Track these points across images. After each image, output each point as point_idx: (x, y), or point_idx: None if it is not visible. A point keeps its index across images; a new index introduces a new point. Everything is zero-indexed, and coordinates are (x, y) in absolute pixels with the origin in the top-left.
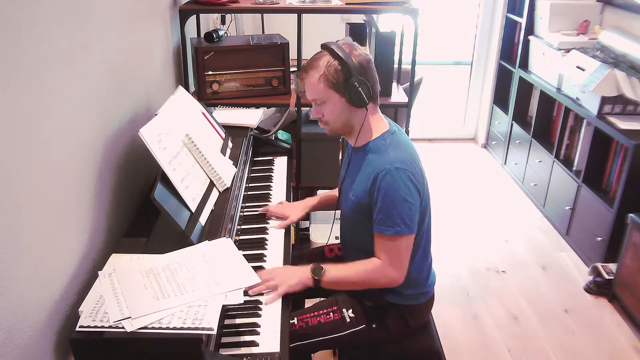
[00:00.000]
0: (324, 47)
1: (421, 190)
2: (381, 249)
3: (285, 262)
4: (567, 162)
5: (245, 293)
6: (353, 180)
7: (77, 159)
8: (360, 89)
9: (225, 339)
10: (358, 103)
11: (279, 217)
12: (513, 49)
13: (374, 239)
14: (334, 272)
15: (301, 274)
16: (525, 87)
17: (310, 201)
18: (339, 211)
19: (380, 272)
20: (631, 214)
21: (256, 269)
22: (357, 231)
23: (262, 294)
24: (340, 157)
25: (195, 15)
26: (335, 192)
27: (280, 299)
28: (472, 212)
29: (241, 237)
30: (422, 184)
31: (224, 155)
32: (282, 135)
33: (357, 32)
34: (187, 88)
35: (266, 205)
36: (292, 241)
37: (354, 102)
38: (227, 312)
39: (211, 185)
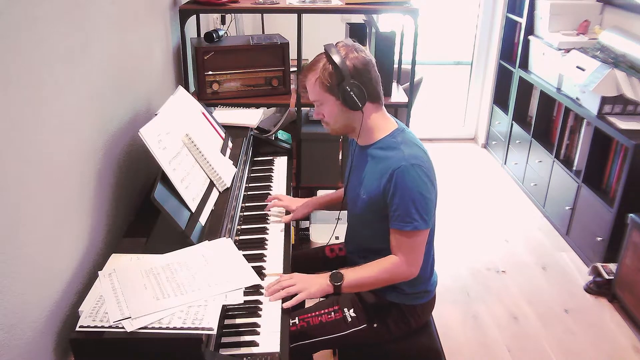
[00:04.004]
0: (324, 49)
1: (435, 185)
2: (399, 245)
3: (285, 262)
4: (567, 162)
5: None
6: (362, 179)
7: (77, 159)
8: (352, 92)
9: (225, 339)
10: (352, 106)
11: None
12: (513, 49)
13: (390, 236)
14: (352, 276)
15: (321, 281)
16: (525, 87)
17: (316, 199)
18: (341, 211)
19: (399, 269)
20: (631, 214)
21: (256, 269)
22: (367, 230)
23: (262, 294)
24: (340, 157)
25: (195, 15)
26: (337, 192)
27: (281, 299)
28: (472, 212)
29: (241, 237)
30: (435, 179)
31: (224, 155)
32: (282, 135)
33: (357, 32)
34: (187, 88)
35: (267, 205)
36: (292, 241)
37: (348, 105)
38: (227, 312)
39: (211, 185)
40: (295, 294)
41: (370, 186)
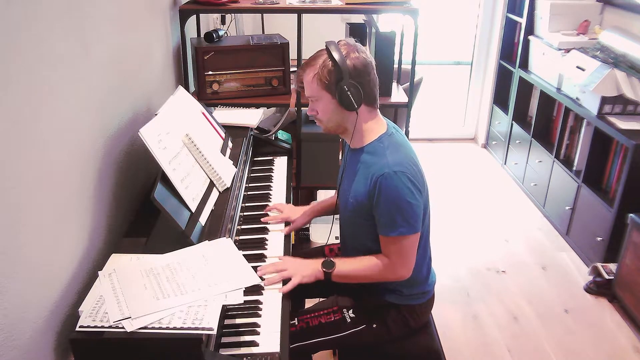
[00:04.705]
0: (325, 45)
1: (421, 189)
2: (387, 249)
3: None
4: (567, 162)
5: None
6: (351, 183)
7: (77, 159)
8: (349, 92)
9: (225, 339)
10: (348, 106)
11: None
12: (513, 49)
13: (379, 240)
14: (344, 266)
15: (313, 267)
16: (525, 87)
17: (314, 206)
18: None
19: (388, 270)
20: (631, 214)
21: (256, 269)
22: (357, 232)
23: (262, 294)
24: (340, 157)
25: (195, 15)
26: (334, 198)
27: (280, 299)
28: (472, 212)
29: (241, 237)
30: (422, 183)
31: (224, 155)
32: (282, 135)
33: (357, 32)
34: (187, 88)
35: (266, 205)
36: (292, 241)
37: (343, 105)
38: (227, 312)
39: (211, 185)
40: (289, 279)
41: (357, 190)
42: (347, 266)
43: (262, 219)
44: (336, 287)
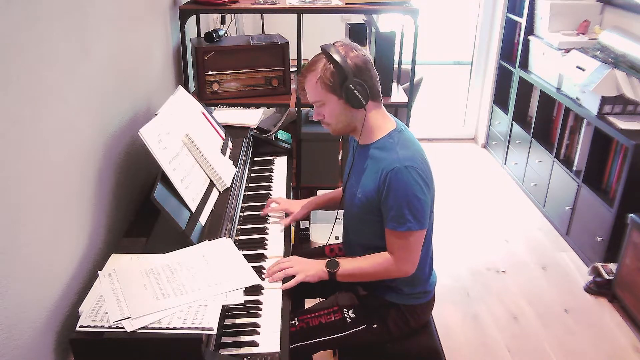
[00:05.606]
0: (322, 49)
1: (430, 186)
2: (393, 244)
3: None
4: (567, 162)
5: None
6: (359, 179)
7: (77, 159)
8: (356, 90)
9: (225, 339)
10: (356, 104)
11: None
12: (513, 49)
13: (385, 235)
14: (348, 265)
15: (317, 267)
16: (525, 87)
17: (315, 199)
18: (340, 211)
19: (393, 266)
20: (631, 214)
21: (256, 269)
22: (362, 228)
23: (262, 294)
24: (340, 157)
25: (195, 15)
26: (336, 192)
27: (280, 299)
28: (472, 212)
29: (241, 237)
30: (431, 180)
31: (224, 155)
32: (282, 135)
33: (357, 32)
34: (187, 88)
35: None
36: (292, 241)
37: (351, 104)
38: (227, 312)
39: (211, 185)
40: (293, 276)
41: (366, 186)
42: (351, 265)
43: (261, 213)
44: (336, 287)
